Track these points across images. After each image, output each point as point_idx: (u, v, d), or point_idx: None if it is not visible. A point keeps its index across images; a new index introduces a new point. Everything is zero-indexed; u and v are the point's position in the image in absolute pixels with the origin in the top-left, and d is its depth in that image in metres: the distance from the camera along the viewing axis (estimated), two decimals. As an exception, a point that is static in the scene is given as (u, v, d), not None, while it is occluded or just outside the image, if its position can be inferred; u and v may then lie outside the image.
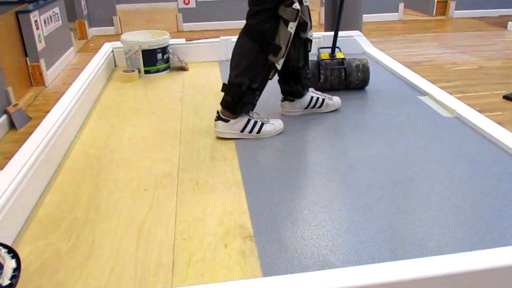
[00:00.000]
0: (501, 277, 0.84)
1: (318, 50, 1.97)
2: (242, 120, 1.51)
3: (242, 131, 1.52)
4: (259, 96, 1.51)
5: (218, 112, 1.52)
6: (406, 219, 1.11)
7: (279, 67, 1.47)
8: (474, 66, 4.63)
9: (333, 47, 1.92)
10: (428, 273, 0.81)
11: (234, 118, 1.50)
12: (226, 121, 1.51)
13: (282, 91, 1.71)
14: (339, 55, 1.92)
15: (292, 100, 1.69)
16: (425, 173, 1.32)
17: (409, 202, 1.18)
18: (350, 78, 1.91)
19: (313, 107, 1.72)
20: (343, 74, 1.89)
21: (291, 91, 1.67)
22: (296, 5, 1.41)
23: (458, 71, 4.49)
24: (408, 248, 1.01)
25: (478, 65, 4.67)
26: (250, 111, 1.53)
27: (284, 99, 1.72)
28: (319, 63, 1.89)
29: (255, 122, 1.53)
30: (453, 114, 1.68)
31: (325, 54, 1.92)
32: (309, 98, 1.70)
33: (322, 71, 1.88)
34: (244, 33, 1.48)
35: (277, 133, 1.57)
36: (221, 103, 1.51)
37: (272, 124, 1.56)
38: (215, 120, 1.53)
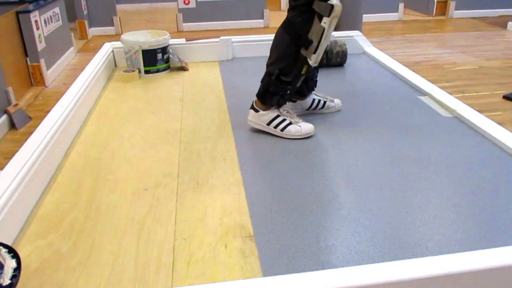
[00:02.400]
0: (501, 277, 0.85)
1: None
2: (270, 114, 1.54)
3: (269, 124, 1.55)
4: (291, 91, 1.52)
5: (253, 101, 1.57)
6: (406, 219, 1.11)
7: (311, 62, 1.47)
8: (474, 66, 4.63)
9: None
10: (428, 273, 0.81)
11: (264, 110, 1.54)
12: (256, 111, 1.55)
13: None
14: None
15: (294, 101, 1.69)
16: (425, 173, 1.32)
17: (409, 202, 1.18)
18: (330, 60, 2.26)
19: (315, 109, 1.72)
20: (324, 57, 2.20)
21: None
22: (332, 1, 1.39)
23: (458, 71, 4.49)
24: (408, 248, 1.01)
25: (478, 65, 4.67)
26: (281, 108, 1.56)
27: None
28: None
29: (283, 119, 1.54)
30: (453, 114, 1.68)
31: None
32: (311, 100, 1.71)
33: None
34: (282, 26, 1.52)
35: (301, 136, 1.54)
36: (257, 93, 1.56)
37: (299, 126, 1.54)
38: (250, 108, 1.58)
